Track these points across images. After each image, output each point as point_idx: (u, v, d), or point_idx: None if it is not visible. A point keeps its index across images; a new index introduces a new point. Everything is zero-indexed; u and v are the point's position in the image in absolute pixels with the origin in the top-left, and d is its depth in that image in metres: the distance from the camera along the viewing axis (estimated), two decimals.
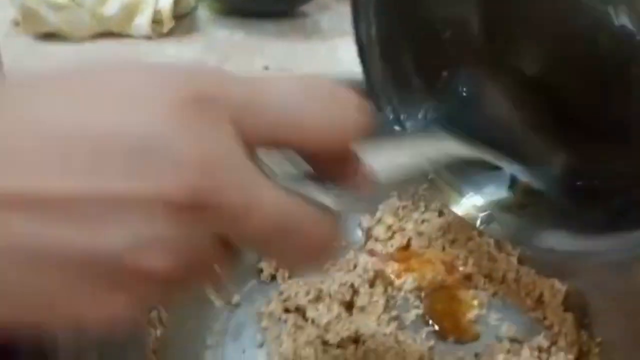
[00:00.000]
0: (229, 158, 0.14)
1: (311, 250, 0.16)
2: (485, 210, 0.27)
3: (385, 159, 0.20)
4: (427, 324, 0.35)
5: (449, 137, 0.24)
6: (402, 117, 0.29)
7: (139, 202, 0.13)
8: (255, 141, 0.15)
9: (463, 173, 0.28)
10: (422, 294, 0.37)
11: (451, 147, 0.24)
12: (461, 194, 0.28)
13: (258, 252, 0.17)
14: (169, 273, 0.14)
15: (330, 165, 0.17)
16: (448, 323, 0.35)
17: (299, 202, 0.16)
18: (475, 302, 0.36)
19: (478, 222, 0.27)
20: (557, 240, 0.25)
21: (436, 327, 0.35)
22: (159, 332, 0.32)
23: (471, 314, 0.35)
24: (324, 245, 0.17)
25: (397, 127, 0.28)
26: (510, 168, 0.27)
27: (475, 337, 0.35)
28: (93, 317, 0.14)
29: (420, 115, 0.29)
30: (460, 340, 0.35)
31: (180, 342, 0.33)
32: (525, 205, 0.27)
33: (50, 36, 0.55)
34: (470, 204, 0.28)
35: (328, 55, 0.58)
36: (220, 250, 0.15)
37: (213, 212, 0.14)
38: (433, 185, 0.28)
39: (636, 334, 0.33)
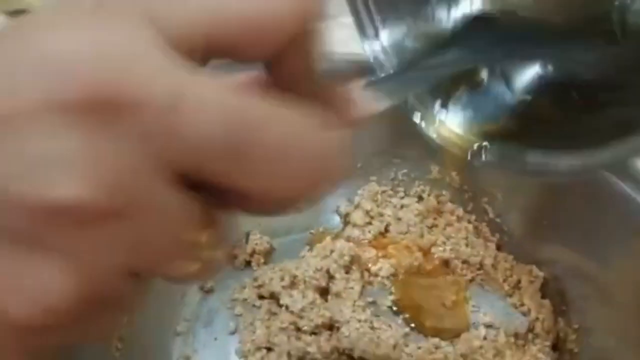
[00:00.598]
0: (137, 53, 0.11)
1: (294, 167, 0.12)
2: (473, 138, 0.25)
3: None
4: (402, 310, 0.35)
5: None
6: (383, 35, 0.26)
7: (24, 116, 0.10)
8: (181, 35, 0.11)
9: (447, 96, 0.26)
10: (398, 281, 0.36)
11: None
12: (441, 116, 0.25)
13: (226, 180, 0.11)
14: (97, 204, 0.10)
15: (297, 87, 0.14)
16: (424, 310, 0.34)
17: (266, 100, 0.12)
18: (453, 289, 0.36)
19: (468, 155, 0.24)
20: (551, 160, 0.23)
21: (407, 315, 0.34)
22: (126, 318, 0.31)
23: (448, 301, 0.35)
24: (315, 157, 0.12)
25: (377, 52, 0.26)
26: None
27: (454, 327, 0.34)
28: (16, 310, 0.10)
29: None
30: (436, 329, 0.34)
31: (148, 328, 0.32)
32: (513, 129, 0.25)
33: (22, 14, 0.53)
34: (455, 132, 0.25)
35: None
36: (175, 189, 0.11)
37: (123, 111, 0.10)
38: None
39: (613, 321, 0.32)
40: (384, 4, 0.27)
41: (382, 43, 0.27)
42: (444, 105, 0.24)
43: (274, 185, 0.12)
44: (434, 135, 0.25)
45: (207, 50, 0.12)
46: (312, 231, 0.40)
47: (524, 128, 0.24)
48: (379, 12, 0.27)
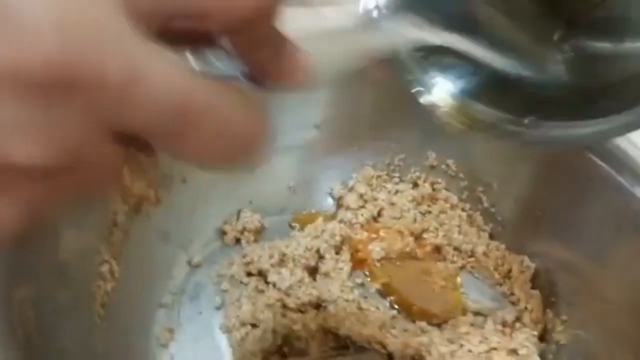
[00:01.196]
0: (101, 23, 0.11)
1: (227, 144, 0.13)
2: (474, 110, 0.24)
3: (330, 48, 0.17)
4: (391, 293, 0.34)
5: (415, 23, 0.21)
6: None
7: None
8: (148, 12, 0.12)
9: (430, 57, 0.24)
10: (389, 264, 0.36)
11: (418, 36, 0.20)
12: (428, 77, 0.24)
13: (162, 147, 0.13)
14: (46, 164, 0.12)
15: (256, 52, 0.15)
16: (412, 294, 0.34)
17: (209, 84, 0.13)
18: (443, 274, 0.35)
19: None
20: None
21: (395, 298, 0.34)
22: (109, 286, 0.30)
23: (437, 286, 0.35)
24: (245, 138, 0.14)
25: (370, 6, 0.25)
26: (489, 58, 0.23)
27: (442, 313, 0.34)
28: None
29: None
30: (423, 314, 0.34)
31: (132, 298, 0.31)
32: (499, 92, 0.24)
33: None
34: (440, 93, 0.24)
35: (312, 24, 0.56)
36: (112, 144, 0.13)
37: (82, 89, 0.11)
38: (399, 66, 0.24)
39: (602, 316, 0.32)
40: None
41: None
42: (443, 74, 0.24)
43: (201, 157, 0.14)
44: (430, 106, 0.24)
45: (174, 17, 0.13)
46: (304, 212, 0.40)
47: (525, 99, 0.23)
48: None
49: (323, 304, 0.32)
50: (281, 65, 0.16)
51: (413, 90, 0.24)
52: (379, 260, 0.35)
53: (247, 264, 0.35)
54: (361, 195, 0.39)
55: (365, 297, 0.33)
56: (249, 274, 0.35)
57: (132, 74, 0.11)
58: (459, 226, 0.37)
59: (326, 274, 0.34)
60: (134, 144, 0.14)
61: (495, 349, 0.31)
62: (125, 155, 0.13)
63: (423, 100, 0.24)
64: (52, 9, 0.11)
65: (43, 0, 0.11)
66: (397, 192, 0.40)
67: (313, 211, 0.40)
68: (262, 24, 0.14)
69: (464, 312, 0.33)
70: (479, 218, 0.38)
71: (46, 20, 0.10)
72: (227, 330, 0.32)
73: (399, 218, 0.38)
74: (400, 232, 0.37)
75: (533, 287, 0.35)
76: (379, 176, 0.41)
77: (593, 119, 0.22)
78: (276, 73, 0.16)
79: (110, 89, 0.11)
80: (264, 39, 0.15)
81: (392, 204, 0.39)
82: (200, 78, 0.13)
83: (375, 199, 0.40)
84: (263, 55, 0.16)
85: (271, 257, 0.35)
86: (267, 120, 0.14)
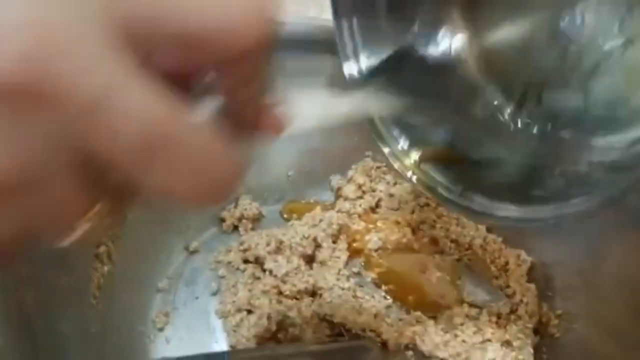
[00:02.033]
0: (79, 37, 0.10)
1: (197, 181, 0.13)
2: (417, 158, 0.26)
3: (313, 108, 0.18)
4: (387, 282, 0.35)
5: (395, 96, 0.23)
6: (362, 58, 0.27)
7: None
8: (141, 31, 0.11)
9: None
10: (385, 254, 0.36)
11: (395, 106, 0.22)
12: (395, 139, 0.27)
13: (129, 177, 0.12)
14: (4, 177, 0.11)
15: (243, 89, 0.14)
16: (408, 285, 0.34)
17: (186, 117, 0.12)
18: (440, 266, 0.35)
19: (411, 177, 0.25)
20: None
21: (391, 287, 0.34)
22: (106, 268, 0.30)
23: (434, 277, 0.35)
24: (216, 175, 0.13)
25: (353, 72, 0.27)
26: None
27: (438, 304, 0.34)
28: None
29: (381, 63, 0.27)
30: (419, 304, 0.34)
31: (129, 282, 0.32)
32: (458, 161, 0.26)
33: None
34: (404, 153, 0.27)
35: (316, 14, 0.56)
36: (79, 177, 0.12)
37: (47, 102, 0.10)
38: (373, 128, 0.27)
39: (597, 311, 0.32)
40: (368, 29, 0.28)
41: (360, 66, 0.28)
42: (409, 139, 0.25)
43: (171, 192, 0.13)
44: (398, 169, 0.26)
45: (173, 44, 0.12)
46: (302, 201, 0.40)
47: (473, 172, 0.25)
48: (361, 36, 0.28)
49: (318, 292, 0.32)
50: (262, 110, 0.16)
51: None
52: (375, 251, 0.35)
53: (244, 251, 0.36)
54: (360, 186, 0.39)
55: (361, 286, 0.33)
56: (246, 261, 0.35)
57: (103, 93, 0.11)
58: (457, 219, 0.37)
59: (322, 263, 0.34)
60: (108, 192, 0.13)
61: (489, 340, 0.31)
62: (93, 200, 0.13)
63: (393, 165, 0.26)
64: (27, 17, 0.10)
65: (20, 6, 0.10)
66: (396, 183, 0.40)
67: (311, 201, 0.40)
68: (258, 57, 0.14)
69: (460, 303, 0.33)
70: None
71: (16, 29, 0.10)
72: (223, 315, 0.33)
73: (397, 209, 0.38)
74: (398, 224, 0.37)
75: (529, 281, 0.35)
76: (378, 167, 0.41)
77: (517, 204, 0.23)
78: (256, 116, 0.15)
79: (73, 110, 0.10)
80: (255, 74, 0.14)
81: (391, 195, 0.39)
82: (177, 110, 0.12)
83: (374, 190, 0.39)
84: (249, 93, 0.15)
85: (268, 244, 0.35)
86: (242, 163, 0.14)
